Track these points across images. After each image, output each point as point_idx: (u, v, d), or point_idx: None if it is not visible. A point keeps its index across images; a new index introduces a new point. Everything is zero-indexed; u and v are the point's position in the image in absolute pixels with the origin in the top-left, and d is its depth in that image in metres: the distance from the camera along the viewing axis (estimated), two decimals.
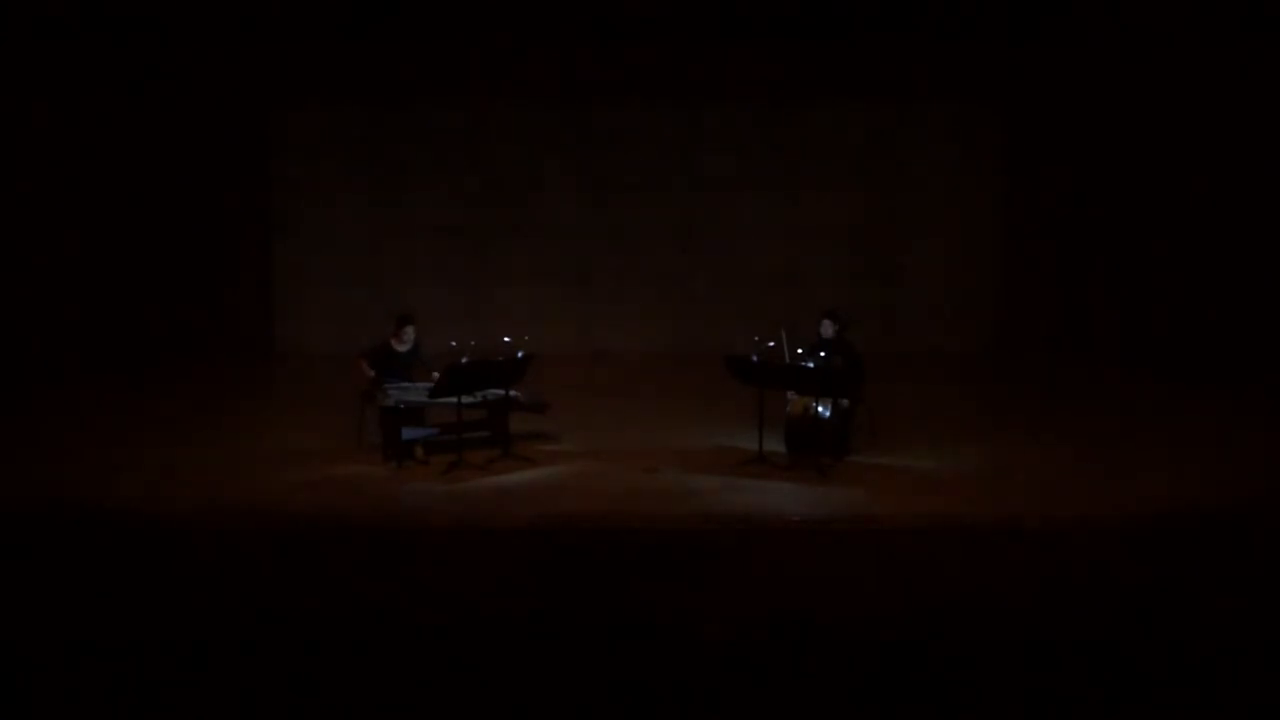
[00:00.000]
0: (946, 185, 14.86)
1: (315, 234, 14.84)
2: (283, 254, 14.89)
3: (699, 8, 13.38)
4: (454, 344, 10.71)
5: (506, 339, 11.16)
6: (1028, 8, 13.41)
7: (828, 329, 10.24)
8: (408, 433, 9.98)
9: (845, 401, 10.07)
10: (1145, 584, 8.00)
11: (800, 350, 10.27)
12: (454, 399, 9.72)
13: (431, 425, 10.19)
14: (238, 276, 14.77)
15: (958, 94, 14.63)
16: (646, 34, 13.96)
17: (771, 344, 10.29)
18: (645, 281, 15.01)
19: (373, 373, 10.09)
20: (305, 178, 14.78)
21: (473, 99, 14.67)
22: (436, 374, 10.00)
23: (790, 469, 9.78)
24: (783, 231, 14.93)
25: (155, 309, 14.05)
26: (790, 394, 10.18)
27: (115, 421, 11.40)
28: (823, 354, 10.13)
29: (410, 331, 10.21)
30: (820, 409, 9.93)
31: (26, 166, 12.80)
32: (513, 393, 10.25)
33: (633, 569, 8.28)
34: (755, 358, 10.06)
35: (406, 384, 10.08)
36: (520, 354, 10.05)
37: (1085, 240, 14.43)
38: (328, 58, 14.31)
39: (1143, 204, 13.81)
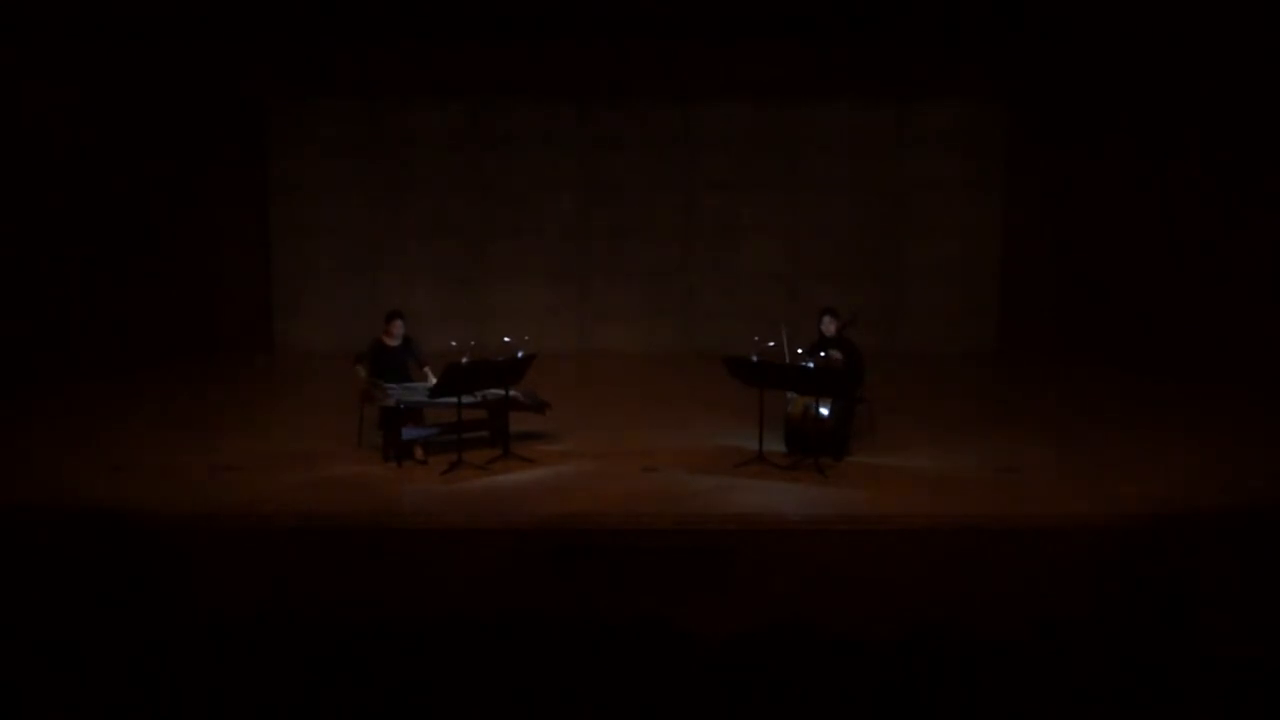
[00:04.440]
0: (946, 185, 14.87)
1: (314, 234, 14.86)
2: (282, 254, 14.90)
3: (699, 7, 13.37)
4: (454, 344, 10.72)
5: (506, 339, 11.17)
6: (1028, 8, 13.41)
7: (829, 326, 10.24)
8: (408, 433, 9.98)
9: (844, 401, 10.07)
10: (1145, 584, 8.01)
11: (800, 350, 10.27)
12: (454, 399, 9.72)
13: (431, 425, 10.19)
14: (238, 276, 14.79)
15: (958, 94, 14.65)
16: (646, 34, 13.96)
17: (771, 344, 10.30)
18: (645, 281, 15.02)
19: (365, 374, 10.10)
20: (305, 178, 14.78)
21: (473, 99, 14.69)
22: (428, 370, 10.04)
23: (790, 469, 9.78)
24: (783, 231, 14.94)
25: (155, 308, 14.05)
26: (790, 394, 10.18)
27: (115, 421, 11.40)
28: (823, 353, 10.12)
29: (399, 326, 10.21)
30: (820, 409, 9.94)
31: (25, 165, 12.79)
32: (512, 393, 10.26)
33: (633, 569, 8.29)
34: (755, 358, 10.06)
35: (407, 384, 10.09)
36: (520, 354, 10.05)
37: (1085, 240, 14.44)
38: (328, 58, 14.33)
39: (1143, 204, 13.81)
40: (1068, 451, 10.36)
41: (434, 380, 9.91)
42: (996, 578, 8.27)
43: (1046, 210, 14.71)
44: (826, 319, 10.29)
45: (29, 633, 6.42)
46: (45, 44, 12.71)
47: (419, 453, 10.02)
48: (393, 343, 10.23)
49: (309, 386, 13.27)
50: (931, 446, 10.48)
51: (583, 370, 14.05)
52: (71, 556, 8.13)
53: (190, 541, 8.42)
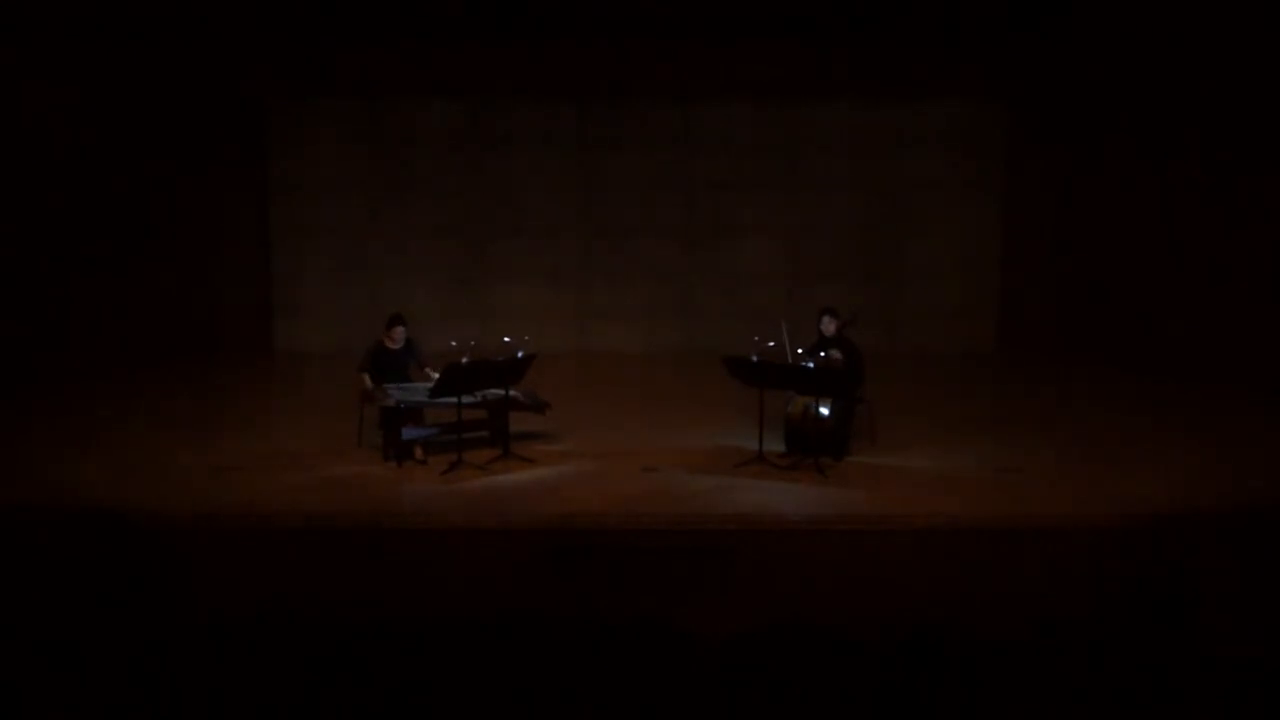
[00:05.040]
0: (946, 185, 14.87)
1: (314, 234, 14.85)
2: (282, 254, 14.90)
3: (699, 7, 13.37)
4: (454, 344, 10.72)
5: (506, 339, 11.16)
6: (1028, 7, 13.41)
7: (829, 326, 10.24)
8: (408, 433, 9.98)
9: (844, 401, 10.07)
10: (1145, 584, 8.01)
11: (800, 350, 10.27)
12: (454, 399, 9.72)
13: (431, 425, 10.19)
14: (237, 276, 14.79)
15: (958, 94, 14.64)
16: (646, 34, 13.96)
17: (772, 344, 10.29)
18: (645, 281, 15.02)
19: (371, 385, 10.08)
20: (305, 178, 14.78)
21: (473, 99, 14.69)
22: (428, 370, 10.04)
23: (790, 469, 9.78)
24: (783, 231, 14.94)
25: (155, 309, 14.06)
26: (790, 394, 10.18)
27: (115, 421, 11.40)
28: (823, 353, 10.12)
29: (401, 331, 10.21)
30: (820, 409, 9.94)
31: (25, 165, 12.79)
32: (512, 393, 10.26)
33: (633, 569, 8.29)
34: (755, 358, 10.05)
35: (406, 384, 10.09)
36: (520, 354, 10.05)
37: (1085, 240, 14.44)
38: (328, 58, 14.33)
39: (1143, 204, 13.80)
40: (1068, 451, 10.36)
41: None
42: (996, 578, 8.26)
43: (1046, 210, 14.70)
44: (826, 319, 10.28)
45: (29, 633, 6.42)
46: (45, 44, 12.71)
47: (419, 453, 10.02)
48: (394, 346, 10.23)
49: (309, 387, 13.27)
50: (931, 446, 10.48)
51: (583, 370, 14.06)
52: (71, 556, 8.13)
53: (190, 541, 8.42)
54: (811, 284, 14.52)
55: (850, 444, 10.23)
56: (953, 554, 8.37)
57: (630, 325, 15.03)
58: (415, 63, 14.32)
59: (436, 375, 9.75)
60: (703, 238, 14.97)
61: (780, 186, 14.88)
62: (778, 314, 11.03)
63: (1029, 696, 5.53)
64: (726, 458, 10.05)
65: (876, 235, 14.93)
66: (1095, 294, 14.37)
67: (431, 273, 14.91)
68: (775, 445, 10.07)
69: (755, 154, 14.84)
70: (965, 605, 7.97)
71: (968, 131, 14.77)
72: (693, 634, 6.11)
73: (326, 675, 5.65)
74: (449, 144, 14.80)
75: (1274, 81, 12.43)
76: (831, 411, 9.97)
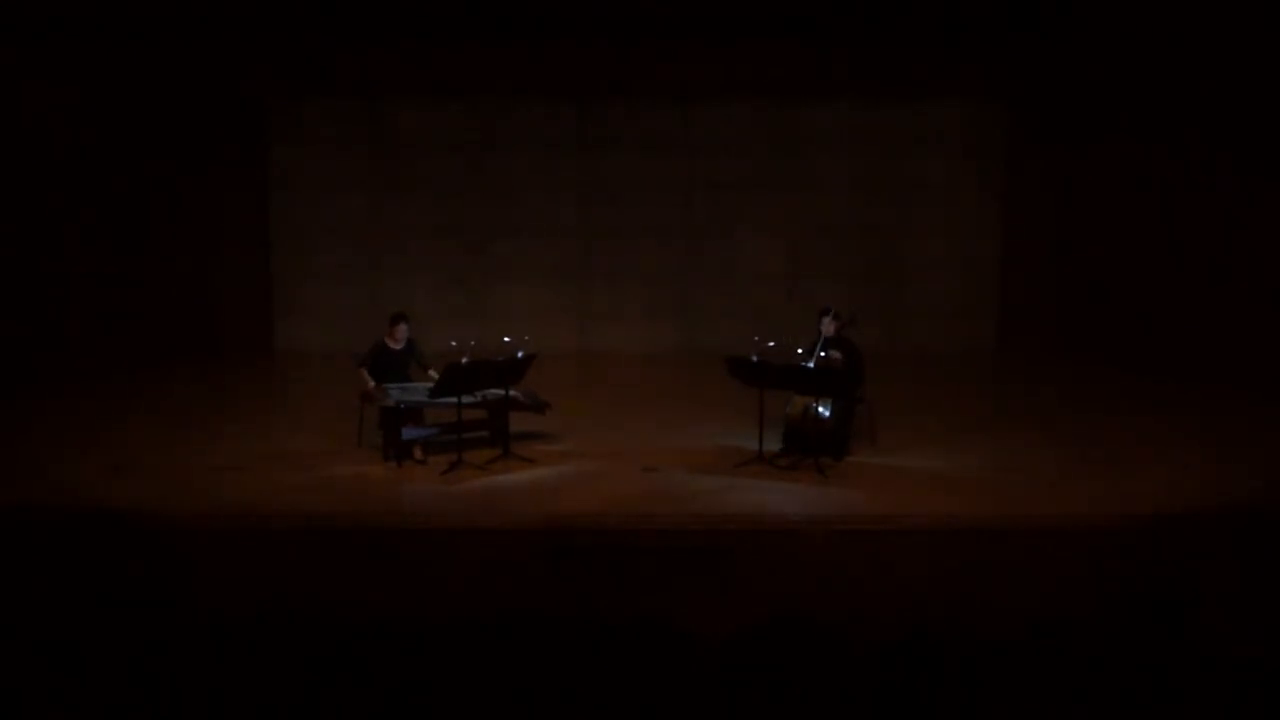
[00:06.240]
0: (946, 185, 14.86)
1: (314, 234, 14.85)
2: (282, 254, 14.89)
3: (699, 7, 13.37)
4: (454, 344, 10.72)
5: (506, 339, 11.16)
6: (1028, 7, 13.41)
7: (829, 326, 10.24)
8: (408, 433, 9.98)
9: (844, 401, 10.07)
10: (1145, 584, 8.01)
11: (800, 350, 10.27)
12: (454, 399, 9.72)
13: (431, 425, 10.19)
14: (238, 276, 14.78)
15: (958, 94, 14.64)
16: (646, 34, 13.96)
17: (771, 344, 10.29)
18: (645, 281, 15.01)
19: (373, 383, 10.07)
20: (305, 177, 14.78)
21: (472, 99, 14.68)
22: (433, 372, 10.04)
23: (790, 469, 9.77)
24: (783, 231, 14.93)
25: (155, 309, 14.05)
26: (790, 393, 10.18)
27: (115, 421, 11.40)
28: (823, 353, 10.12)
29: (404, 329, 10.21)
30: (820, 409, 9.94)
31: (25, 165, 12.78)
32: (512, 393, 10.26)
33: (633, 569, 8.29)
34: (755, 358, 10.05)
35: (406, 384, 10.09)
36: (520, 354, 10.05)
37: (1085, 240, 14.44)
38: (328, 58, 14.32)
39: (1143, 204, 13.80)
40: (1068, 451, 10.36)
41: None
42: (996, 578, 8.26)
43: (1046, 210, 14.70)
44: (826, 319, 10.28)
45: (29, 633, 6.42)
46: (45, 44, 12.70)
47: (418, 453, 10.02)
48: (396, 345, 10.23)
49: (309, 387, 13.27)
50: (931, 446, 10.48)
51: (583, 370, 14.06)
52: (71, 556, 8.13)
53: (190, 541, 8.42)
54: (811, 284, 14.52)
55: (850, 444, 10.23)
56: (953, 554, 8.37)
57: (630, 325, 15.03)
58: (415, 63, 14.32)
59: (436, 375, 9.76)
60: (703, 238, 14.97)
61: (780, 186, 14.88)
62: (778, 314, 11.03)
63: (1029, 697, 5.53)
64: (726, 458, 10.05)
65: (876, 235, 14.93)
66: (1095, 294, 14.37)
67: (431, 273, 14.91)
68: (775, 445, 10.06)
69: (755, 154, 14.83)
70: (965, 605, 7.96)
71: (968, 131, 14.77)
72: (693, 634, 6.10)
73: (326, 675, 5.64)
74: (449, 144, 14.80)
75: (1274, 81, 12.43)
76: (831, 411, 9.97)
